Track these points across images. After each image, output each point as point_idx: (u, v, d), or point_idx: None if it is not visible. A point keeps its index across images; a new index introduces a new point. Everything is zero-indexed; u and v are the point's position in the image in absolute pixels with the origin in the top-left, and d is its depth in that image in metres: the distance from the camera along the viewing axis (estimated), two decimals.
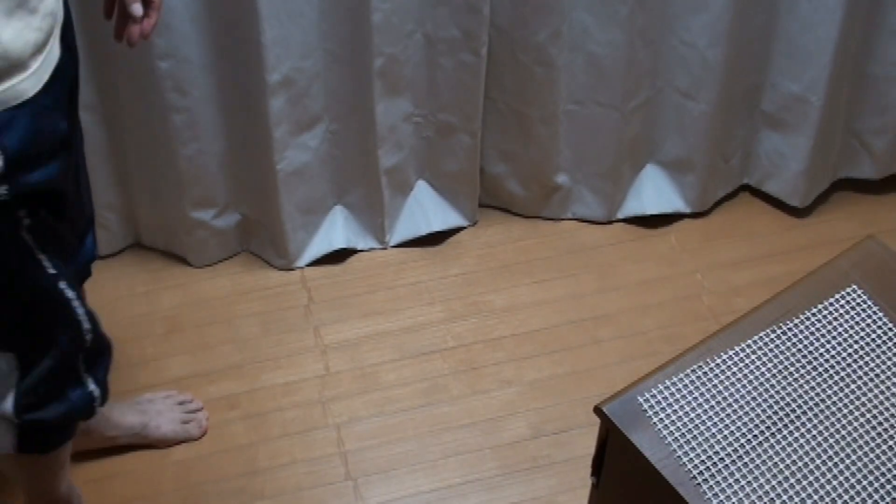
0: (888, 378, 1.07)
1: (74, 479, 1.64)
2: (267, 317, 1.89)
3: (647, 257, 1.99)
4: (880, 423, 1.04)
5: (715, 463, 1.00)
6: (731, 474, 0.99)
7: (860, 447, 1.02)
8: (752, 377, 1.07)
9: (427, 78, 1.84)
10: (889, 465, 1.01)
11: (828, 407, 1.05)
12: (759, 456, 1.01)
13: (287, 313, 1.89)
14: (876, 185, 2.12)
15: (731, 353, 1.10)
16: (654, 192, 2.04)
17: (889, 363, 1.09)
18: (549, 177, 1.99)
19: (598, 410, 1.07)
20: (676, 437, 1.02)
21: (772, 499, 0.99)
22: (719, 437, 1.01)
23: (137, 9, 1.16)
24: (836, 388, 1.06)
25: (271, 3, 1.63)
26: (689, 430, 1.02)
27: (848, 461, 1.01)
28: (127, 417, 1.66)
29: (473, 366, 1.80)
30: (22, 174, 1.02)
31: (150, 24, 1.19)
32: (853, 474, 1.01)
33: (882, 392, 1.06)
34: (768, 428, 1.03)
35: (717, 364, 1.09)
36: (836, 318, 1.12)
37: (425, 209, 2.00)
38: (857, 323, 1.12)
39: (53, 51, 1.06)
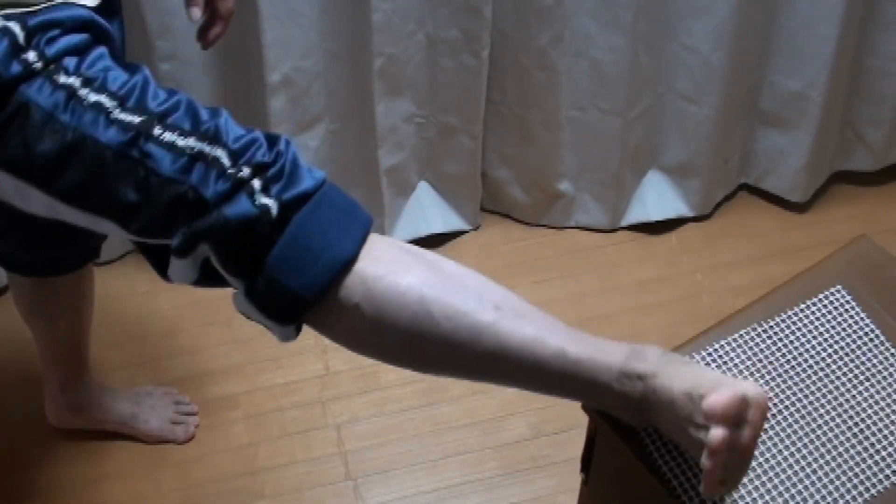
0: (866, 379, 1.07)
1: (74, 478, 1.64)
2: None
3: (647, 258, 1.99)
4: (856, 424, 1.04)
5: (687, 461, 1.00)
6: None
7: (835, 447, 1.02)
8: (728, 375, 1.07)
9: (428, 79, 1.84)
10: (863, 466, 1.01)
11: (804, 406, 1.05)
12: None
13: None
14: (876, 183, 2.12)
15: (710, 350, 1.10)
16: (656, 197, 2.03)
17: (868, 364, 1.09)
18: (552, 183, 1.98)
19: (585, 406, 1.07)
20: (651, 433, 1.02)
21: (746, 502, 0.99)
22: None
23: (195, 13, 1.19)
24: (813, 388, 1.07)
25: (271, 3, 1.64)
26: None
27: (822, 461, 1.01)
28: (118, 404, 1.67)
29: None
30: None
31: (215, 32, 1.21)
32: (826, 474, 1.01)
33: (860, 393, 1.06)
34: None
35: (697, 361, 1.09)
36: (817, 319, 1.12)
37: (426, 210, 1.99)
38: (838, 324, 1.11)
39: None
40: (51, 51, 0.96)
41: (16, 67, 0.94)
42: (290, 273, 0.94)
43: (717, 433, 0.89)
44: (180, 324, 1.87)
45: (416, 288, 0.95)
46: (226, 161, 0.95)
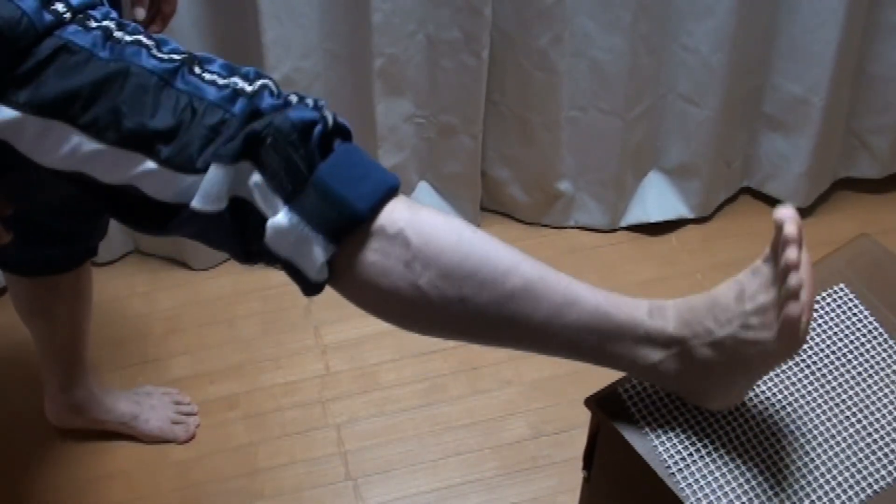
0: (869, 376, 1.07)
1: (74, 478, 1.64)
2: (267, 317, 1.89)
3: (647, 258, 1.99)
4: (859, 421, 1.04)
5: (692, 455, 1.00)
6: (711, 471, 0.99)
7: (837, 444, 1.02)
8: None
9: (429, 79, 1.84)
10: (866, 463, 1.01)
11: (807, 403, 1.05)
12: (735, 449, 1.01)
13: (287, 313, 1.89)
14: (876, 185, 2.12)
15: None
16: (657, 198, 2.03)
17: (872, 362, 1.08)
18: (552, 183, 1.98)
19: (588, 402, 1.06)
20: (655, 429, 1.02)
21: (750, 498, 0.99)
22: (697, 428, 1.01)
23: (139, 13, 1.21)
24: (816, 385, 1.06)
25: (271, 3, 1.64)
26: (668, 421, 1.02)
27: (825, 457, 1.01)
28: (119, 405, 1.67)
29: (473, 366, 1.80)
30: None
31: (153, 31, 1.22)
32: (829, 470, 1.01)
33: (864, 390, 1.06)
34: (746, 422, 1.03)
35: None
36: (819, 316, 1.12)
37: None
38: (842, 321, 1.11)
39: None
40: (75, 2, 0.98)
41: (48, 17, 0.96)
42: (344, 183, 0.93)
43: (795, 253, 0.88)
44: (180, 324, 1.87)
45: (458, 222, 0.96)
46: (273, 88, 0.96)
